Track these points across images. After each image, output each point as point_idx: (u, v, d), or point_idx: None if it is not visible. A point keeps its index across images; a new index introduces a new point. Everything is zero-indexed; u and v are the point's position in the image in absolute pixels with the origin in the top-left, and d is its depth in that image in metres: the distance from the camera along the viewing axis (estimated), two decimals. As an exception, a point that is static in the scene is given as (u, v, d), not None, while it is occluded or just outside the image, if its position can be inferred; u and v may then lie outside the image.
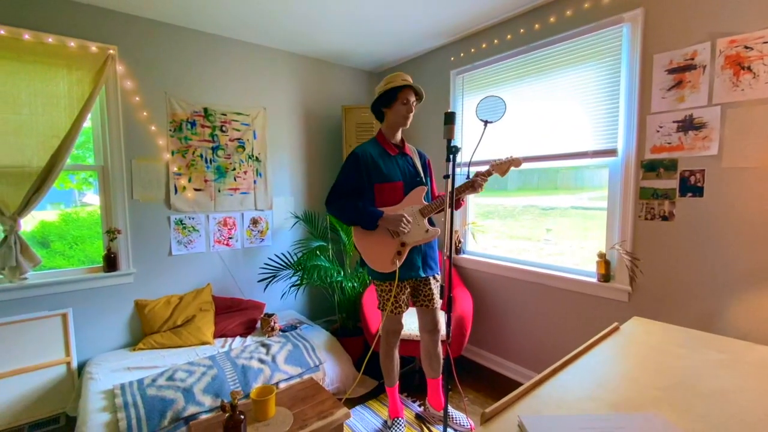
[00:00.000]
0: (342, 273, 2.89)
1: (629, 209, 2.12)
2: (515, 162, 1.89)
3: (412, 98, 1.93)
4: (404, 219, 1.86)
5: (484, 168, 1.94)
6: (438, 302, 2.05)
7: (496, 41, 2.72)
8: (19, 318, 2.24)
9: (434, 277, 2.05)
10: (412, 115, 1.95)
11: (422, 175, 2.02)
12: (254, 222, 3.18)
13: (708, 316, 1.87)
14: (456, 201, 2.01)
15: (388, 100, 1.93)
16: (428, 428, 2.20)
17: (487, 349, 2.92)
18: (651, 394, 0.82)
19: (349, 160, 1.96)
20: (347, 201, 1.95)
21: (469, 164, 1.93)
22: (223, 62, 2.95)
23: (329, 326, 3.22)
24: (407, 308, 2.06)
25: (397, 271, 1.92)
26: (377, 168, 1.94)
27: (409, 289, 2.02)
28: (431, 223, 2.01)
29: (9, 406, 2.19)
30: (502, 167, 1.90)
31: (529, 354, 2.64)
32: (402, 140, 2.06)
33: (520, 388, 0.84)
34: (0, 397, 2.17)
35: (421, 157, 2.10)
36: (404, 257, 1.92)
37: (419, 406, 2.41)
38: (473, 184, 1.88)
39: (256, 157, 3.15)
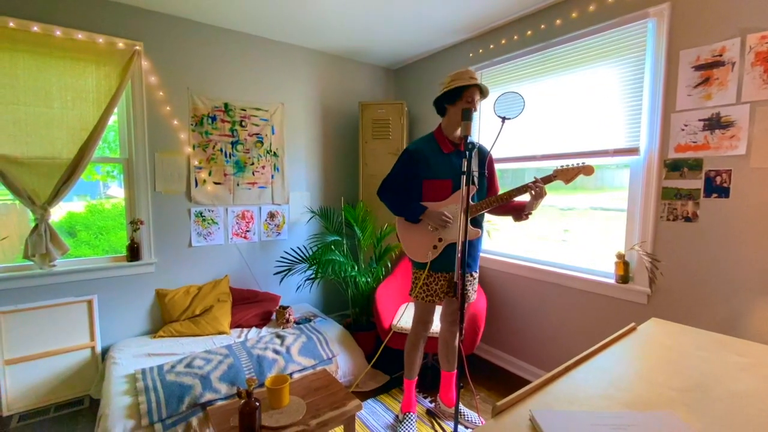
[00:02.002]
0: (356, 268, 2.92)
1: (650, 209, 2.07)
2: (586, 170, 1.75)
3: (477, 97, 1.91)
4: (443, 216, 1.88)
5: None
6: (472, 297, 2.07)
7: (515, 37, 2.69)
8: (48, 303, 2.35)
9: (471, 274, 2.05)
10: (475, 114, 1.93)
11: (475, 175, 1.99)
12: (271, 216, 3.23)
13: (731, 320, 1.82)
14: (511, 208, 1.97)
15: (452, 98, 1.91)
16: (439, 424, 2.20)
17: (500, 348, 2.90)
18: (666, 395, 0.81)
19: (402, 157, 2.02)
20: (395, 193, 2.03)
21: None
22: (244, 58, 3.01)
23: (342, 320, 3.26)
24: (441, 301, 2.06)
25: (429, 263, 1.96)
26: (427, 165, 1.96)
27: (443, 282, 2.02)
28: (476, 223, 1.99)
29: (37, 387, 2.30)
30: (568, 174, 1.78)
31: (543, 354, 2.61)
32: (461, 138, 2.02)
33: (533, 384, 0.84)
34: (28, 378, 2.28)
35: (482, 153, 2.05)
36: (439, 251, 1.95)
37: (431, 402, 2.41)
38: (527, 189, 1.80)
39: (274, 152, 3.20)
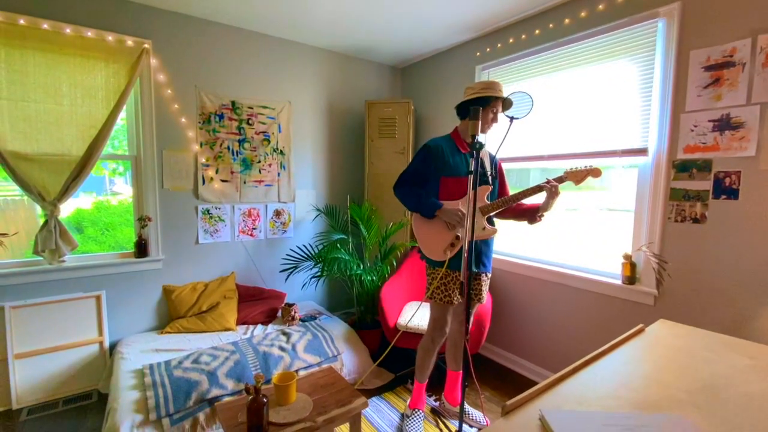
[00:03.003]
0: (361, 266, 2.92)
1: (658, 211, 2.06)
2: (594, 172, 1.79)
3: (500, 109, 1.95)
4: (459, 213, 1.88)
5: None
6: (484, 298, 2.08)
7: (523, 36, 2.68)
8: (57, 298, 2.37)
9: (486, 275, 2.06)
10: (495, 125, 1.97)
11: (489, 175, 2.02)
12: (277, 214, 3.25)
13: (739, 322, 1.81)
14: (524, 210, 1.99)
15: (481, 104, 1.92)
16: (443, 423, 2.21)
17: (505, 348, 2.90)
18: (676, 397, 0.81)
19: (421, 152, 2.03)
20: (412, 188, 2.02)
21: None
22: (251, 56, 3.02)
23: (347, 318, 3.27)
24: (457, 303, 2.04)
25: (447, 261, 1.95)
26: (445, 162, 1.97)
27: (460, 281, 2.01)
28: (490, 222, 2.00)
29: (45, 381, 2.33)
30: (578, 175, 1.81)
31: (548, 354, 2.61)
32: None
33: (542, 383, 0.84)
34: (37, 372, 2.31)
35: (492, 160, 2.09)
36: (457, 250, 1.95)
37: (435, 400, 2.42)
38: (541, 189, 1.82)
39: (281, 150, 3.21)
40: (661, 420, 0.71)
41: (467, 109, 1.99)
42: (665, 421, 0.70)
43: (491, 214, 1.93)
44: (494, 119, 1.94)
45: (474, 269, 2.01)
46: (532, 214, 1.97)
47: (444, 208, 1.92)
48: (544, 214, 1.93)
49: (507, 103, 1.94)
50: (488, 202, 1.93)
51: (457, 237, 1.95)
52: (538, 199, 1.91)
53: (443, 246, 1.97)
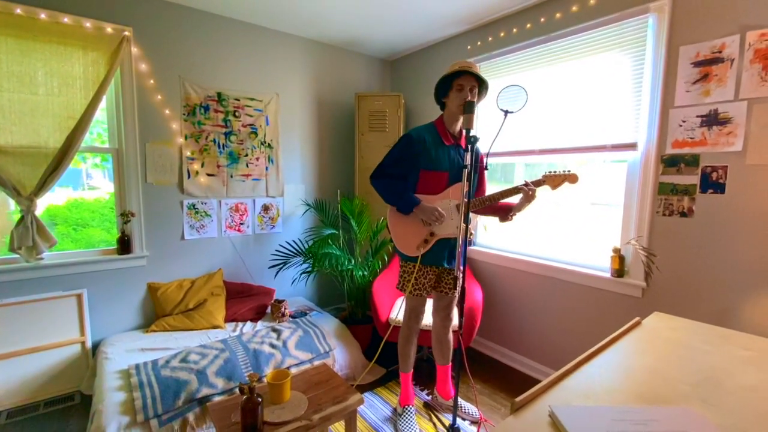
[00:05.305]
0: (353, 261, 2.90)
1: (646, 205, 2.09)
2: (571, 178, 1.80)
3: (470, 84, 1.83)
4: (436, 213, 1.86)
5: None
6: (457, 292, 2.07)
7: (514, 30, 2.67)
8: (36, 297, 2.27)
9: (460, 269, 2.05)
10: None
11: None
12: (265, 208, 3.18)
13: (724, 313, 1.86)
14: (498, 208, 2.01)
15: (445, 90, 1.89)
16: (437, 416, 2.22)
17: (496, 341, 2.93)
18: (680, 389, 0.82)
19: (401, 141, 1.95)
20: (390, 180, 1.96)
21: (487, 155, 1.90)
22: (238, 47, 2.93)
23: (338, 314, 3.24)
24: (429, 295, 2.05)
25: (420, 256, 1.95)
26: (427, 154, 1.91)
27: (432, 275, 2.02)
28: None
29: (25, 384, 2.24)
30: (555, 180, 1.82)
31: (539, 347, 2.65)
32: (461, 131, 1.98)
33: (548, 379, 0.84)
34: (16, 374, 2.21)
35: (474, 151, 2.02)
36: (430, 246, 1.94)
37: (427, 394, 2.42)
38: (518, 191, 1.83)
39: (269, 144, 3.14)
40: (670, 413, 0.71)
41: (443, 102, 1.98)
42: (675, 415, 0.70)
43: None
44: (465, 96, 1.81)
45: (446, 265, 2.02)
46: (504, 213, 2.00)
47: (422, 206, 1.89)
48: (516, 214, 1.96)
49: (482, 79, 1.84)
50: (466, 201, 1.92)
51: (432, 234, 1.94)
52: (515, 198, 1.93)
53: (417, 242, 1.96)
